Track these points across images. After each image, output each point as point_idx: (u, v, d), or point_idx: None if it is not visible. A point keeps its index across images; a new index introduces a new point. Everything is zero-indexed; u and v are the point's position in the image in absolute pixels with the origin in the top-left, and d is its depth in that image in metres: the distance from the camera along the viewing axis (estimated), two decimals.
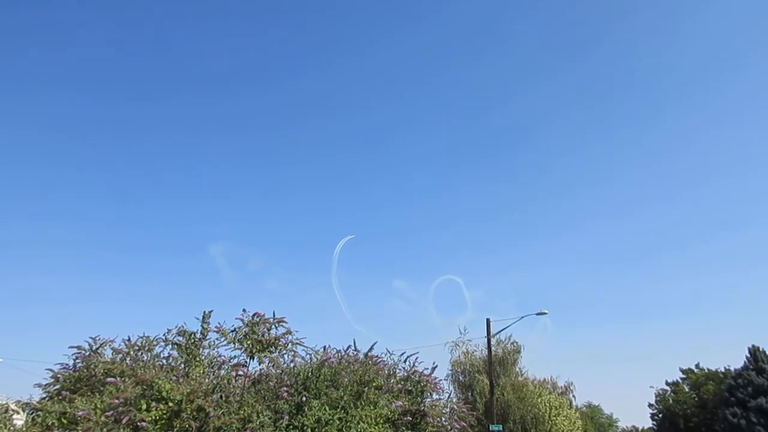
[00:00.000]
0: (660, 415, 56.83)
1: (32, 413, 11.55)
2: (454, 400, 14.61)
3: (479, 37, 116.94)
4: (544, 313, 28.37)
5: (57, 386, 12.17)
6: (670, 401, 56.11)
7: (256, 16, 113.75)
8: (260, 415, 10.17)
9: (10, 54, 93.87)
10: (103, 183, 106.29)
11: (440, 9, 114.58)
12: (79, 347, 12.48)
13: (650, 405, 58.81)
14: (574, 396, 40.58)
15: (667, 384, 58.11)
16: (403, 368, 13.25)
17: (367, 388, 11.87)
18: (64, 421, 10.20)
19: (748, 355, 44.20)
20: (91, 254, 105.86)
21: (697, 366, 55.94)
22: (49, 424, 10.17)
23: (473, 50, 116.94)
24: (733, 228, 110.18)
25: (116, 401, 9.69)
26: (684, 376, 56.62)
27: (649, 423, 59.84)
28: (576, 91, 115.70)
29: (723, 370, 51.78)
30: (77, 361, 12.40)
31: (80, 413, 9.69)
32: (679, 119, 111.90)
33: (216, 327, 11.62)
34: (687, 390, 55.67)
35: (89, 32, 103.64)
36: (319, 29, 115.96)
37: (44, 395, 12.17)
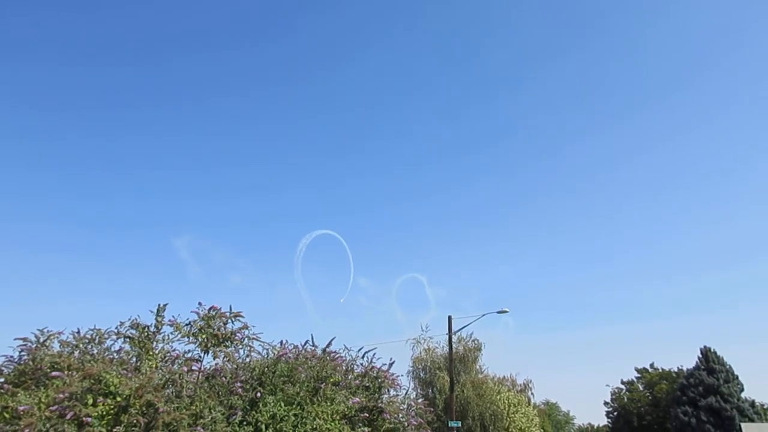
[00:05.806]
0: (615, 413, 58.38)
1: None
2: (413, 396, 14.64)
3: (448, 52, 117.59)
4: (505, 312, 28.67)
5: (0, 379, 11.70)
6: (625, 399, 57.73)
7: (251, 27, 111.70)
8: (212, 410, 9.98)
9: None
10: (60, 180, 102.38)
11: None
12: (25, 339, 12.00)
13: (606, 403, 60.45)
14: (532, 393, 41.37)
15: (623, 383, 59.75)
16: (361, 364, 13.22)
17: (324, 384, 11.79)
18: (6, 416, 9.82)
19: (700, 356, 45.77)
20: (51, 251, 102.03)
21: (651, 366, 57.69)
22: None
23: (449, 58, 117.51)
24: (688, 232, 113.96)
25: (61, 396, 9.37)
26: (639, 375, 58.32)
27: (604, 420, 61.46)
28: (548, 97, 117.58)
29: (676, 370, 53.58)
30: (23, 353, 11.92)
31: (22, 408, 9.33)
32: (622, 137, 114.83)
33: (170, 321, 11.33)
34: (641, 389, 57.34)
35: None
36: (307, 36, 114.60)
37: None
